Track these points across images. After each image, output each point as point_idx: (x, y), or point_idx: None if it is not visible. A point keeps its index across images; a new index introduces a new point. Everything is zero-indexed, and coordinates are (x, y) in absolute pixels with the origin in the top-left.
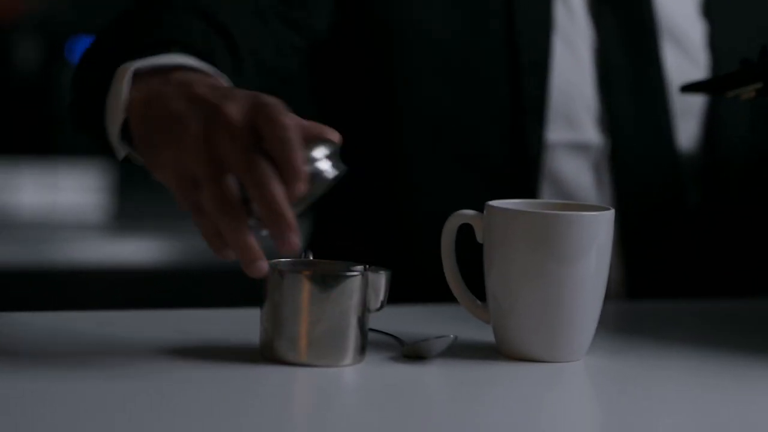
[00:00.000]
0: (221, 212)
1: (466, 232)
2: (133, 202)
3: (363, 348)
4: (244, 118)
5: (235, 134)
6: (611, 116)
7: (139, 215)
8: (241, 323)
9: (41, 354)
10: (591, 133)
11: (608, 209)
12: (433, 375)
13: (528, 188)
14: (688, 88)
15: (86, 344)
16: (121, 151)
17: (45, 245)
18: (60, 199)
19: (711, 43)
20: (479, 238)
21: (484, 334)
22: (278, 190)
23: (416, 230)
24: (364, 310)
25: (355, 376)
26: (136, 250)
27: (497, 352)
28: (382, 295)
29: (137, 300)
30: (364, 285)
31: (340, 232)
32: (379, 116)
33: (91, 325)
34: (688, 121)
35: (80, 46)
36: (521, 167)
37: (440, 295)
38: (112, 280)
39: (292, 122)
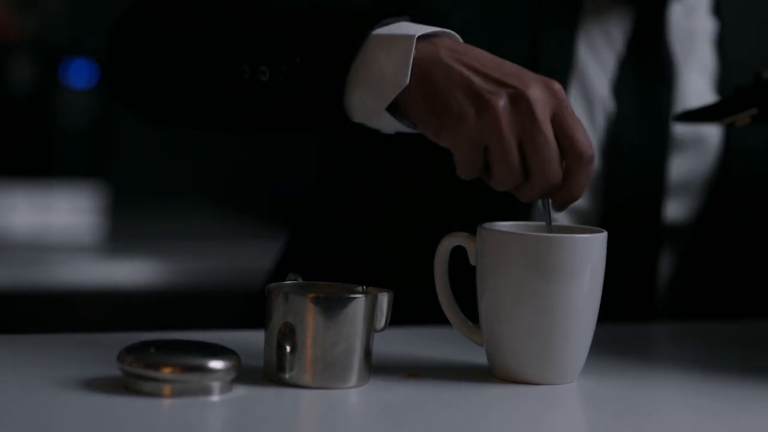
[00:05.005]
0: (509, 182)
1: (459, 254)
2: (127, 223)
3: (368, 369)
4: (545, 108)
5: (540, 126)
6: (607, 186)
7: (133, 237)
8: (245, 345)
9: (33, 376)
10: (585, 200)
11: (602, 231)
12: (428, 397)
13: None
14: (683, 117)
15: (80, 366)
16: (373, 114)
17: (38, 266)
18: (53, 220)
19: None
20: (472, 260)
21: (477, 357)
22: (553, 180)
23: (410, 253)
24: (370, 331)
25: (359, 398)
26: (129, 272)
27: (490, 374)
28: (385, 316)
29: (131, 322)
30: (369, 306)
31: (332, 253)
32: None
33: (85, 346)
34: (685, 191)
35: (74, 67)
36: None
37: (433, 316)
38: (105, 301)
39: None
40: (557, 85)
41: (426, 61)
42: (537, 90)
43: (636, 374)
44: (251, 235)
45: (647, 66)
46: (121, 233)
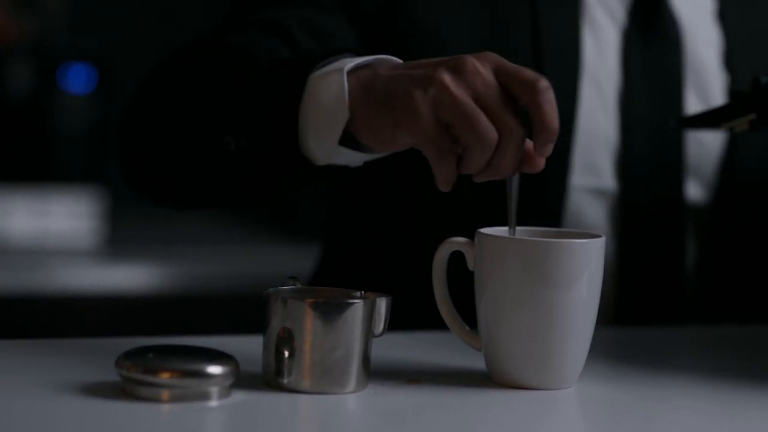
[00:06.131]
0: (483, 146)
1: (457, 259)
2: (126, 228)
3: (367, 374)
4: (485, 65)
5: (487, 80)
6: (628, 162)
7: (132, 241)
8: (244, 350)
9: (32, 381)
10: (610, 178)
11: (599, 236)
12: (427, 402)
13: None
14: (683, 122)
15: (78, 371)
16: (331, 153)
17: (37, 272)
18: (52, 225)
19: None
20: (470, 265)
21: (476, 362)
22: (520, 150)
23: (409, 258)
24: (369, 336)
25: (358, 404)
26: (128, 277)
27: (488, 379)
28: (383, 321)
29: (129, 327)
30: (368, 311)
31: (331, 258)
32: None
33: (83, 351)
34: (700, 175)
35: (73, 72)
36: (540, 213)
37: (432, 321)
38: (104, 306)
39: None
40: (489, 53)
41: (365, 83)
42: (472, 56)
43: (635, 379)
44: (250, 239)
45: (653, 35)
46: (119, 238)
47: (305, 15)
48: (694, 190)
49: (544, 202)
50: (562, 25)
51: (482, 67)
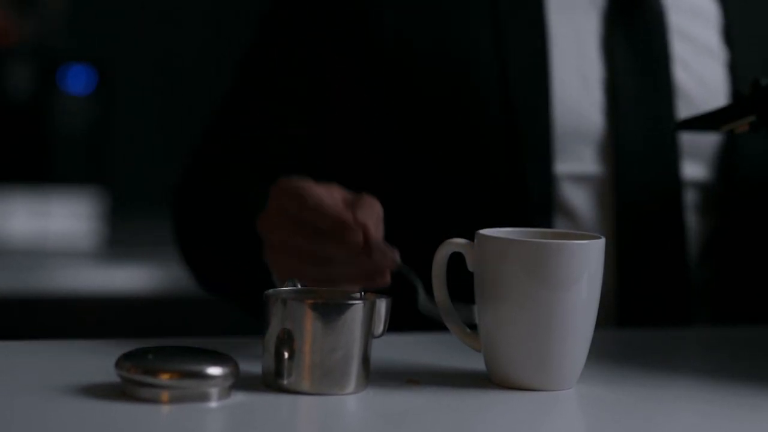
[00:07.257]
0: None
1: (457, 260)
2: (126, 229)
3: (366, 375)
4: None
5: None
6: (617, 147)
7: (132, 242)
8: (243, 351)
9: (31, 382)
10: (594, 164)
11: (599, 237)
12: (427, 403)
13: (537, 221)
14: (683, 124)
15: (78, 372)
16: None
17: (37, 272)
18: (52, 226)
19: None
20: (470, 266)
21: (475, 363)
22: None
23: (408, 259)
24: (368, 337)
25: (358, 405)
26: (128, 278)
27: (488, 380)
28: (383, 322)
29: (129, 328)
30: (368, 312)
31: None
32: (380, 151)
33: (83, 352)
34: (698, 154)
35: (73, 73)
36: (527, 203)
37: (432, 322)
38: (104, 307)
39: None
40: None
41: None
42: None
43: (635, 380)
44: None
45: (636, 15)
46: (119, 239)
47: (273, 112)
48: (692, 171)
49: (528, 192)
50: (525, 19)
51: (275, 207)
